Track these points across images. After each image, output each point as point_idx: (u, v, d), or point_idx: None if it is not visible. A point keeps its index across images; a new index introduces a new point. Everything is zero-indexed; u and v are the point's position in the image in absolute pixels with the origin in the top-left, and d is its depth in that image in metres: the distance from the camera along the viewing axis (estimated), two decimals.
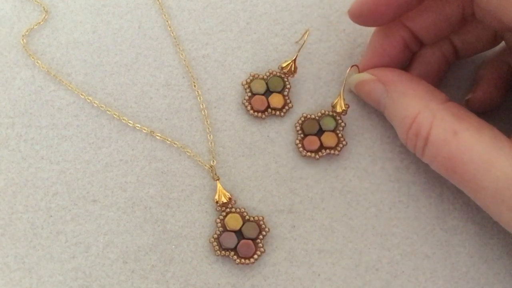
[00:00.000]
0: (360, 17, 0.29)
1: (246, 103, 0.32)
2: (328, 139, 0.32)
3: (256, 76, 0.33)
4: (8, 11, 0.35)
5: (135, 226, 0.30)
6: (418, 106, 0.27)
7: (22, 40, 0.34)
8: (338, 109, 0.32)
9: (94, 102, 0.33)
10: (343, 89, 0.32)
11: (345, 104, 0.32)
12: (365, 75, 0.31)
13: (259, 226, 0.30)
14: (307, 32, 0.32)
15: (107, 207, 0.31)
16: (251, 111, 0.32)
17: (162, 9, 0.35)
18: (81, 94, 0.33)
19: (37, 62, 0.34)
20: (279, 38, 0.34)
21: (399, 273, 0.30)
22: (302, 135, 0.32)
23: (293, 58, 0.32)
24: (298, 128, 0.32)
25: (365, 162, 0.32)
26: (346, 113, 0.32)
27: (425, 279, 0.29)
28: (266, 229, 0.30)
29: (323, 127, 0.32)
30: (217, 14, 0.35)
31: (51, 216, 0.30)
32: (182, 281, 0.29)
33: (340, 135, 0.32)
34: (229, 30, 0.35)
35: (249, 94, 0.33)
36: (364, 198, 0.31)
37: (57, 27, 0.35)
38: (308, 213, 0.31)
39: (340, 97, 0.32)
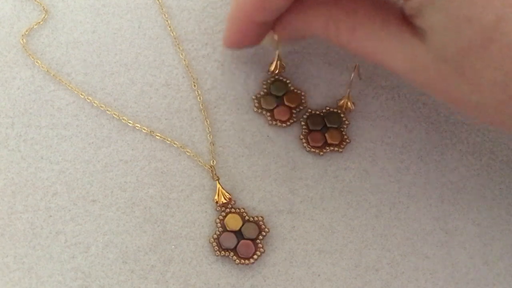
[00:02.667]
0: (234, 45, 0.32)
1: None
2: (333, 136, 0.32)
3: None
4: (7, 11, 0.35)
5: (134, 226, 0.30)
6: (324, 19, 0.28)
7: (22, 40, 0.34)
8: (345, 109, 0.32)
9: (94, 102, 0.33)
10: (350, 90, 0.32)
11: (352, 103, 0.32)
12: (269, 38, 0.31)
13: (259, 226, 0.30)
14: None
15: (107, 207, 0.30)
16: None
17: (162, 9, 0.35)
18: (81, 94, 0.33)
19: (36, 62, 0.34)
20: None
21: (399, 274, 0.30)
22: (306, 130, 0.32)
23: (276, 57, 0.33)
24: (303, 123, 0.32)
25: (366, 162, 0.32)
26: (350, 111, 0.32)
27: (425, 280, 0.29)
28: (266, 229, 0.30)
29: (328, 124, 0.32)
30: (217, 14, 0.35)
31: (51, 216, 0.30)
32: (182, 281, 0.29)
33: (344, 132, 0.32)
34: None
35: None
36: (364, 199, 0.31)
37: (57, 27, 0.35)
38: (308, 213, 0.31)
39: (348, 98, 0.32)
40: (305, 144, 0.32)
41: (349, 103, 0.32)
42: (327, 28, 0.28)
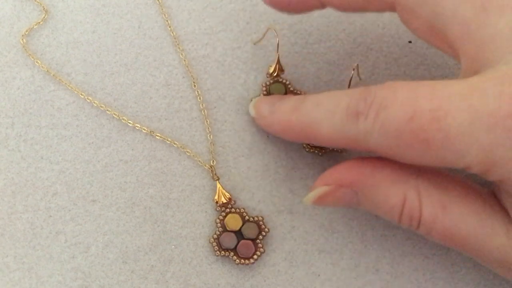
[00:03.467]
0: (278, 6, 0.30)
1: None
2: None
3: None
4: (7, 11, 0.35)
5: (134, 226, 0.30)
6: (401, 191, 0.25)
7: (22, 40, 0.34)
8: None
9: (94, 102, 0.33)
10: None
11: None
12: (323, 189, 0.26)
13: (259, 226, 0.30)
14: (268, 30, 0.32)
15: (107, 207, 0.30)
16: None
17: (162, 9, 0.35)
18: (81, 94, 0.33)
19: (36, 62, 0.34)
20: (279, 38, 0.34)
21: (399, 274, 0.30)
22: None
23: (276, 60, 0.33)
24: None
25: None
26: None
27: (425, 280, 0.29)
28: (266, 229, 0.30)
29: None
30: (217, 14, 0.35)
31: (51, 216, 0.30)
32: (182, 281, 0.29)
33: None
34: (229, 30, 0.35)
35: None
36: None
37: (57, 27, 0.35)
38: (308, 213, 0.31)
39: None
40: (304, 145, 0.32)
41: None
42: (404, 203, 0.25)
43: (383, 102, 0.23)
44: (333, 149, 0.32)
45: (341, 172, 0.26)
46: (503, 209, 0.24)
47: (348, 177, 0.26)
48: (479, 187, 0.26)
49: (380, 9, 0.27)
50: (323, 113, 0.26)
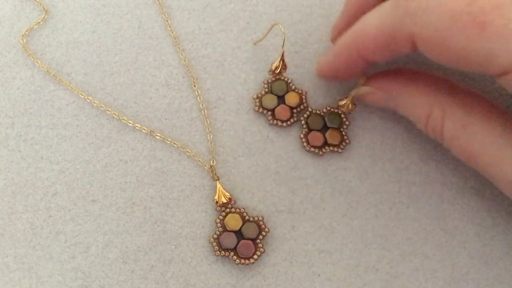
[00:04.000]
0: (327, 76, 0.32)
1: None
2: (333, 136, 0.32)
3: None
4: (7, 11, 0.35)
5: (134, 226, 0.30)
6: (428, 104, 0.27)
7: (22, 40, 0.34)
8: (346, 110, 0.32)
9: (94, 102, 0.33)
10: (355, 95, 0.31)
11: (353, 105, 0.32)
12: (364, 89, 0.31)
13: (259, 226, 0.30)
14: (273, 26, 0.32)
15: (107, 207, 0.30)
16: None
17: (162, 9, 0.35)
18: (81, 94, 0.33)
19: (36, 62, 0.34)
20: (279, 38, 0.34)
21: (399, 274, 0.30)
22: (306, 130, 0.32)
23: (280, 56, 0.32)
24: (303, 122, 0.32)
25: (366, 162, 0.32)
26: (351, 112, 0.32)
27: (425, 280, 0.29)
28: (266, 229, 0.30)
29: (328, 124, 0.32)
30: (217, 14, 0.35)
31: (51, 216, 0.30)
32: (182, 281, 0.29)
33: (344, 133, 0.32)
34: (229, 30, 0.35)
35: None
36: (364, 199, 0.31)
37: (57, 27, 0.35)
38: (308, 213, 0.31)
39: (351, 99, 0.32)
40: (305, 144, 0.32)
41: (350, 105, 0.32)
42: (429, 115, 0.27)
43: None
44: (332, 149, 0.32)
45: (381, 78, 0.30)
46: None
47: (386, 83, 0.30)
48: (503, 109, 0.26)
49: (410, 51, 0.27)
50: (371, 13, 0.27)
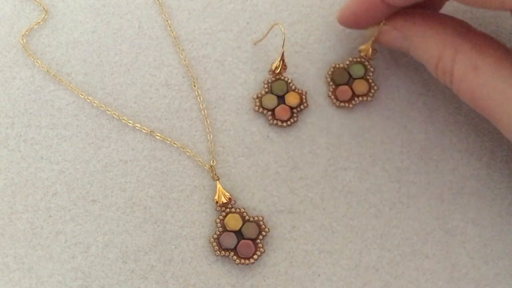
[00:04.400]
0: (350, 23, 0.31)
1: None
2: (360, 86, 0.32)
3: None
4: (7, 11, 0.35)
5: (134, 226, 0.30)
6: (440, 45, 0.27)
7: (22, 40, 0.34)
8: (366, 55, 0.32)
9: (94, 102, 0.33)
10: (370, 32, 0.32)
11: (373, 50, 0.32)
12: (382, 27, 0.31)
13: (259, 226, 0.30)
14: (273, 26, 0.32)
15: (107, 207, 0.30)
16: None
17: (162, 9, 0.35)
18: (81, 94, 0.33)
19: (36, 62, 0.34)
20: (279, 38, 0.34)
21: (399, 274, 0.30)
22: (333, 86, 0.32)
23: (280, 56, 0.32)
24: (329, 79, 0.32)
25: (365, 162, 0.32)
26: (373, 57, 0.32)
27: (425, 280, 0.29)
28: (266, 229, 0.30)
29: (353, 75, 0.33)
30: (217, 14, 0.35)
31: (51, 216, 0.30)
32: (182, 281, 0.29)
33: (370, 80, 0.32)
34: (229, 30, 0.35)
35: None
36: (364, 199, 0.31)
37: (57, 27, 0.35)
38: (308, 213, 0.31)
39: (370, 44, 0.32)
40: (334, 100, 0.32)
41: (370, 49, 0.32)
42: (440, 56, 0.27)
43: None
44: (361, 100, 0.32)
45: (397, 17, 0.30)
46: None
47: (401, 22, 0.30)
48: None
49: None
50: None
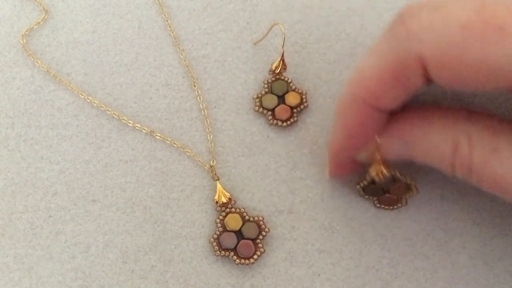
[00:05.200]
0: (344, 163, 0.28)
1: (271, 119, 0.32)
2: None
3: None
4: (7, 10, 0.35)
5: (134, 226, 0.30)
6: (451, 137, 0.24)
7: (22, 40, 0.34)
8: (382, 176, 0.28)
9: (94, 102, 0.33)
10: (363, 156, 0.28)
11: (386, 168, 0.28)
12: (377, 141, 0.26)
13: (259, 226, 0.30)
14: (273, 26, 0.32)
15: (107, 207, 0.30)
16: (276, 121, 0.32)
17: (162, 9, 0.35)
18: (81, 94, 0.33)
19: (36, 62, 0.34)
20: (279, 38, 0.34)
21: (399, 274, 0.30)
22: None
23: (280, 56, 0.32)
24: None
25: None
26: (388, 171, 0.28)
27: (425, 280, 0.29)
28: (266, 229, 0.30)
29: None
30: (217, 14, 0.35)
31: (51, 216, 0.30)
32: (182, 281, 0.29)
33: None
34: (229, 30, 0.35)
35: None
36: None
37: (57, 27, 0.35)
38: (308, 213, 0.31)
39: (378, 166, 0.28)
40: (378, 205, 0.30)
41: (382, 171, 0.27)
42: (455, 149, 0.24)
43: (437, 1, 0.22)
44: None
45: (391, 127, 0.26)
46: None
47: (397, 130, 0.26)
48: None
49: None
50: (368, 53, 0.24)
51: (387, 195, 0.29)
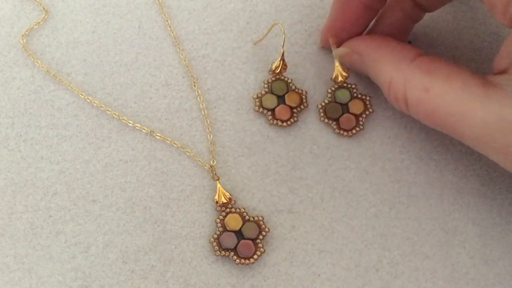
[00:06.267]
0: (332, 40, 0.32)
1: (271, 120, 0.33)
2: (356, 106, 0.33)
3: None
4: (8, 11, 0.35)
5: (134, 226, 0.30)
6: (390, 71, 0.28)
7: (22, 40, 0.34)
8: (340, 78, 0.32)
9: (94, 102, 0.33)
10: (337, 59, 0.32)
11: (343, 74, 0.32)
12: (341, 50, 0.32)
13: (259, 226, 0.30)
14: (273, 26, 0.32)
15: (107, 207, 0.30)
16: (276, 121, 0.32)
17: (162, 9, 0.35)
18: (81, 94, 0.33)
19: (36, 62, 0.34)
20: (279, 38, 0.34)
21: (399, 274, 0.30)
22: (334, 123, 0.32)
23: (281, 56, 0.32)
24: (326, 119, 0.32)
25: (365, 162, 0.32)
26: (348, 77, 0.33)
27: (425, 280, 0.29)
28: (266, 229, 0.30)
29: (342, 101, 0.33)
30: (217, 14, 0.35)
31: (51, 216, 0.30)
32: (182, 281, 0.29)
33: (361, 96, 0.33)
34: (229, 30, 0.35)
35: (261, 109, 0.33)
36: (364, 199, 0.31)
37: (57, 27, 0.35)
38: (308, 213, 0.31)
39: (338, 67, 0.32)
40: (341, 131, 0.32)
41: (340, 75, 0.32)
42: (390, 82, 0.28)
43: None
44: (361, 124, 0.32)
45: (357, 41, 0.31)
46: (481, 86, 0.26)
47: (360, 46, 0.31)
48: (463, 66, 0.27)
49: None
50: None
51: (345, 114, 0.32)
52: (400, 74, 0.28)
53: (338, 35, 0.32)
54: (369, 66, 0.30)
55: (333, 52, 0.32)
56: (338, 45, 0.32)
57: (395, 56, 0.29)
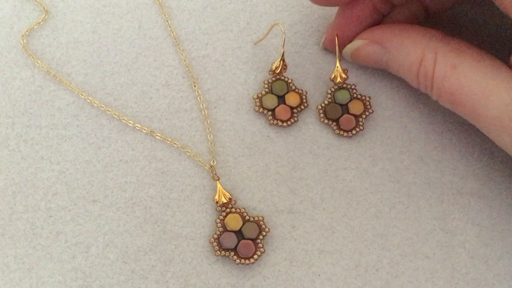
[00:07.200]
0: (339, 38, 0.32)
1: (271, 120, 0.32)
2: (356, 107, 0.32)
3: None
4: (8, 11, 0.35)
5: (135, 226, 0.30)
6: (420, 49, 0.29)
7: (22, 40, 0.34)
8: (339, 79, 0.32)
9: (94, 102, 0.33)
10: (338, 59, 0.32)
11: (343, 70, 0.32)
12: (357, 42, 0.32)
13: (259, 226, 0.30)
14: (273, 26, 0.33)
15: (107, 207, 0.30)
16: (276, 121, 0.32)
17: (162, 9, 0.35)
18: (81, 94, 0.33)
19: (37, 62, 0.34)
20: (279, 38, 0.34)
21: (399, 274, 0.30)
22: (334, 123, 0.32)
23: (281, 56, 0.32)
24: (326, 120, 0.32)
25: (365, 162, 0.32)
26: (347, 78, 0.33)
27: (425, 280, 0.29)
28: (266, 229, 0.30)
29: (342, 102, 0.33)
30: (217, 14, 0.35)
31: (51, 216, 0.30)
32: (182, 281, 0.29)
33: (360, 96, 0.33)
34: (229, 30, 0.35)
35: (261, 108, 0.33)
36: (364, 199, 0.31)
37: (57, 27, 0.35)
38: (308, 213, 0.31)
39: (338, 67, 0.32)
40: (342, 132, 0.32)
41: (339, 76, 0.32)
42: (421, 60, 0.28)
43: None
44: (361, 124, 0.32)
45: (374, 31, 0.31)
46: (510, 70, 0.26)
47: (379, 35, 0.31)
48: (491, 55, 0.28)
49: None
50: None
51: (345, 115, 0.32)
52: (432, 50, 0.28)
53: (345, 36, 0.32)
54: (392, 52, 0.30)
55: (345, 49, 0.32)
56: (342, 45, 0.33)
57: (424, 36, 0.29)
